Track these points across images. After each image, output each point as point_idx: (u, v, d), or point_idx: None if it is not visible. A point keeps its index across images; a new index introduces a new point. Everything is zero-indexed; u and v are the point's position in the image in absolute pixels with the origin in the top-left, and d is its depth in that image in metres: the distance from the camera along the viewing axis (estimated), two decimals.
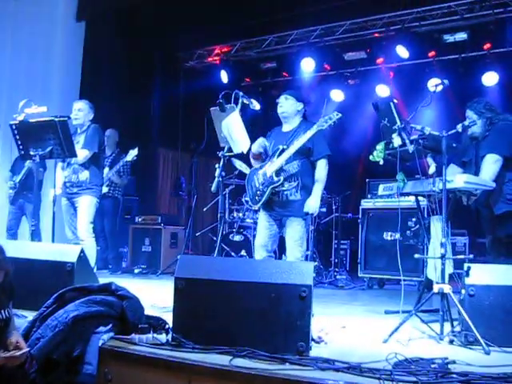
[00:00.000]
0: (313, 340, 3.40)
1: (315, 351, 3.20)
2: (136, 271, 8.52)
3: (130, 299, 3.39)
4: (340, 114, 4.85)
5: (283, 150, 4.91)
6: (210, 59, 11.91)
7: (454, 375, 2.67)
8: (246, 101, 4.78)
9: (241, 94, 4.77)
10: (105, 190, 8.19)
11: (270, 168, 4.95)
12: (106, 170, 8.26)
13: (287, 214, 4.96)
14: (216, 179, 4.61)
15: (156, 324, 3.36)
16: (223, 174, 4.63)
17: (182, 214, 11.34)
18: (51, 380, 2.95)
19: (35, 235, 7.73)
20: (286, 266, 3.25)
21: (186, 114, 11.88)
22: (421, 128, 4.05)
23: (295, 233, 4.90)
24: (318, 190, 4.95)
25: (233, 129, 4.58)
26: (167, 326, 3.35)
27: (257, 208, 5.15)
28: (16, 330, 2.88)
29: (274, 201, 4.98)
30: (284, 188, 4.92)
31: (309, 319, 3.08)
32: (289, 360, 2.89)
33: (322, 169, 4.98)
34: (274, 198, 4.97)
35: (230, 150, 4.70)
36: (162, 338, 3.22)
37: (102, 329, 3.19)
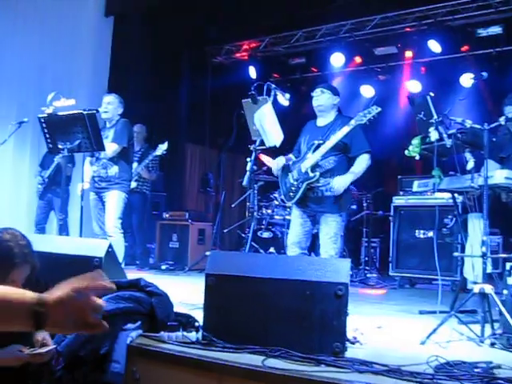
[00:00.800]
0: (348, 340, 3.27)
1: (350, 352, 3.07)
2: (163, 267, 8.44)
3: (160, 296, 3.30)
4: (379, 108, 4.70)
5: (319, 145, 4.78)
6: (238, 55, 11.84)
7: (501, 381, 2.52)
8: (278, 93, 4.66)
9: (273, 85, 4.65)
10: (133, 185, 8.12)
11: (305, 163, 4.82)
12: (135, 165, 8.20)
13: (322, 211, 4.83)
14: (247, 173, 4.49)
15: (186, 322, 3.26)
16: (255, 167, 4.52)
17: (209, 210, 11.27)
18: (78, 377, 2.87)
19: (63, 230, 7.76)
20: (321, 262, 3.12)
21: (213, 110, 11.81)
22: (461, 121, 3.89)
23: (330, 229, 4.77)
24: (350, 174, 4.80)
25: (265, 121, 4.46)
26: (197, 324, 3.24)
27: (290, 204, 5.02)
28: None
29: (308, 197, 4.86)
30: (319, 184, 4.79)
31: (345, 319, 2.95)
32: (324, 361, 2.76)
33: (363, 161, 4.85)
34: (308, 194, 4.85)
35: (261, 143, 4.58)
36: (192, 336, 3.11)
37: (130, 326, 3.09)
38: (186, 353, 2.90)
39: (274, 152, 5.88)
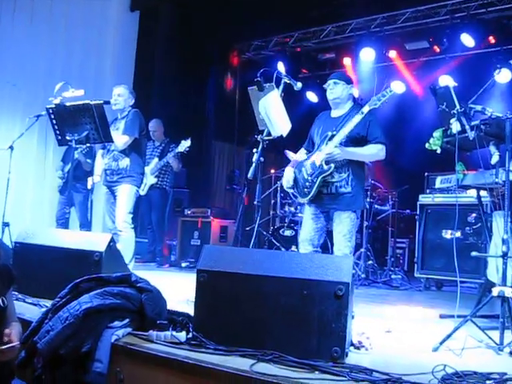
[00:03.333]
0: (352, 345, 3.04)
1: (354, 358, 2.83)
2: (183, 265, 8.30)
3: (150, 292, 3.10)
4: (394, 90, 4.41)
5: (333, 136, 4.50)
6: (267, 50, 11.62)
7: None
8: (288, 80, 4.41)
9: (283, 73, 4.41)
10: (153, 180, 8.02)
11: (319, 156, 4.54)
12: (156, 160, 8.08)
13: (335, 207, 4.55)
14: (253, 165, 4.26)
15: (177, 320, 3.05)
16: (262, 159, 4.27)
17: (236, 207, 11.10)
18: (58, 377, 2.70)
19: (82, 226, 7.69)
20: (321, 260, 2.88)
21: (242, 107, 11.62)
22: (481, 108, 3.59)
23: (344, 227, 4.48)
24: (354, 149, 4.51)
25: (271, 109, 4.20)
26: (189, 324, 3.03)
27: (306, 201, 4.73)
28: (16, 321, 2.63)
29: (322, 193, 4.58)
30: (334, 180, 4.52)
31: (345, 321, 2.70)
32: (319, 367, 2.52)
33: (375, 147, 4.53)
34: (322, 190, 4.57)
35: (269, 133, 4.35)
36: (182, 336, 2.90)
37: (117, 323, 2.91)
38: (173, 354, 2.70)
39: (293, 145, 5.63)
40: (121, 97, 5.88)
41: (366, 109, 4.43)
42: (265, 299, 2.82)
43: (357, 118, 4.42)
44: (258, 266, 2.89)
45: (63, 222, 7.82)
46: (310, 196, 4.62)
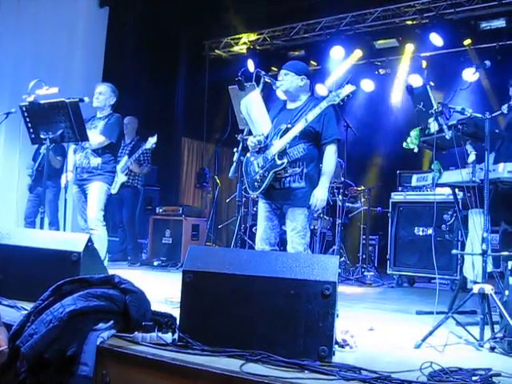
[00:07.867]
0: (336, 343, 3.05)
1: (339, 356, 2.85)
2: (155, 263, 8.24)
3: (134, 293, 3.06)
4: (354, 87, 4.16)
5: (287, 130, 4.28)
6: (236, 48, 11.62)
7: None
8: (268, 79, 4.38)
9: (263, 72, 4.38)
10: (124, 179, 7.94)
11: (272, 150, 4.31)
12: (125, 158, 8.01)
13: (289, 203, 4.33)
14: (234, 164, 4.23)
15: (162, 321, 3.03)
16: (242, 158, 4.25)
17: (206, 205, 11.08)
18: (43, 381, 2.65)
19: (52, 224, 7.56)
20: (307, 259, 2.88)
21: (211, 104, 11.61)
22: (461, 109, 3.64)
23: (297, 223, 4.27)
24: (325, 180, 4.31)
25: (252, 109, 4.18)
26: (174, 325, 3.01)
27: (255, 196, 4.59)
28: (1, 325, 2.58)
29: (274, 188, 4.36)
30: (287, 174, 4.29)
31: (332, 320, 2.72)
32: (308, 367, 2.53)
33: (330, 155, 4.32)
34: (274, 185, 4.35)
35: (250, 132, 4.32)
36: (168, 337, 2.88)
37: (101, 326, 2.86)
38: (160, 356, 2.67)
39: None
40: (102, 95, 5.82)
41: (323, 104, 4.21)
42: (251, 299, 2.82)
43: (313, 114, 4.21)
44: (244, 266, 2.88)
45: (32, 221, 7.71)
46: (260, 190, 4.39)
